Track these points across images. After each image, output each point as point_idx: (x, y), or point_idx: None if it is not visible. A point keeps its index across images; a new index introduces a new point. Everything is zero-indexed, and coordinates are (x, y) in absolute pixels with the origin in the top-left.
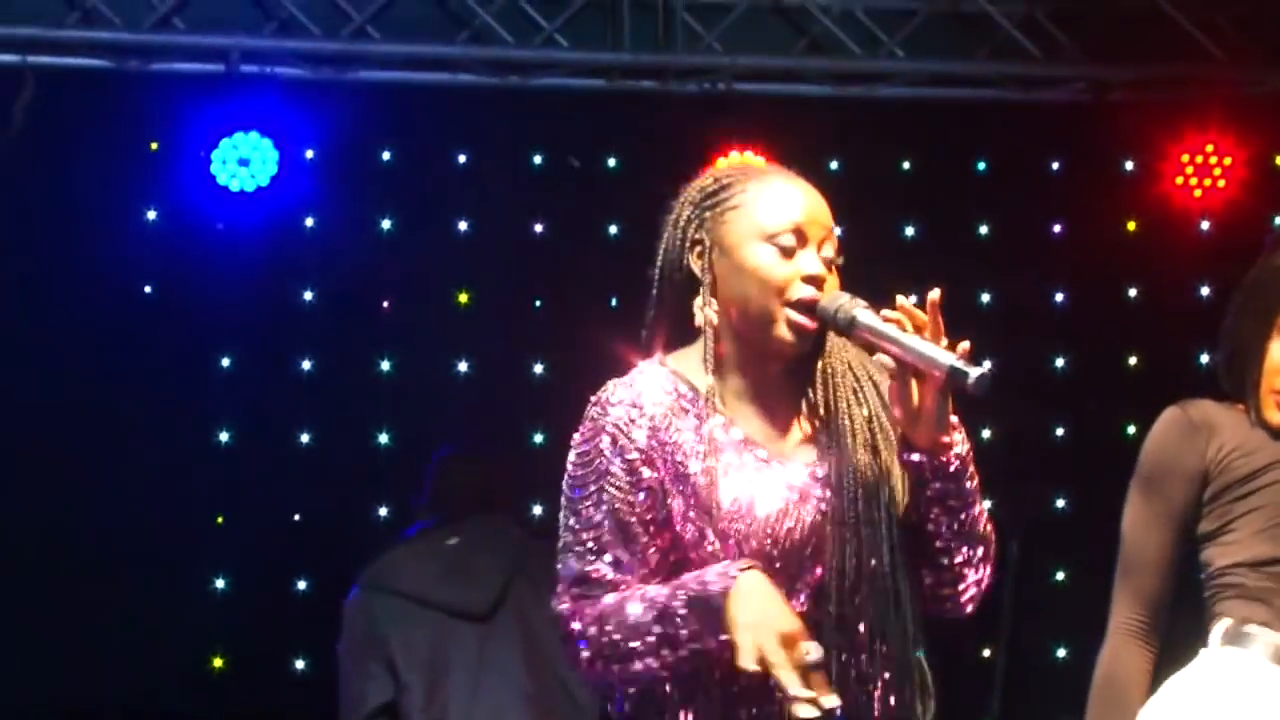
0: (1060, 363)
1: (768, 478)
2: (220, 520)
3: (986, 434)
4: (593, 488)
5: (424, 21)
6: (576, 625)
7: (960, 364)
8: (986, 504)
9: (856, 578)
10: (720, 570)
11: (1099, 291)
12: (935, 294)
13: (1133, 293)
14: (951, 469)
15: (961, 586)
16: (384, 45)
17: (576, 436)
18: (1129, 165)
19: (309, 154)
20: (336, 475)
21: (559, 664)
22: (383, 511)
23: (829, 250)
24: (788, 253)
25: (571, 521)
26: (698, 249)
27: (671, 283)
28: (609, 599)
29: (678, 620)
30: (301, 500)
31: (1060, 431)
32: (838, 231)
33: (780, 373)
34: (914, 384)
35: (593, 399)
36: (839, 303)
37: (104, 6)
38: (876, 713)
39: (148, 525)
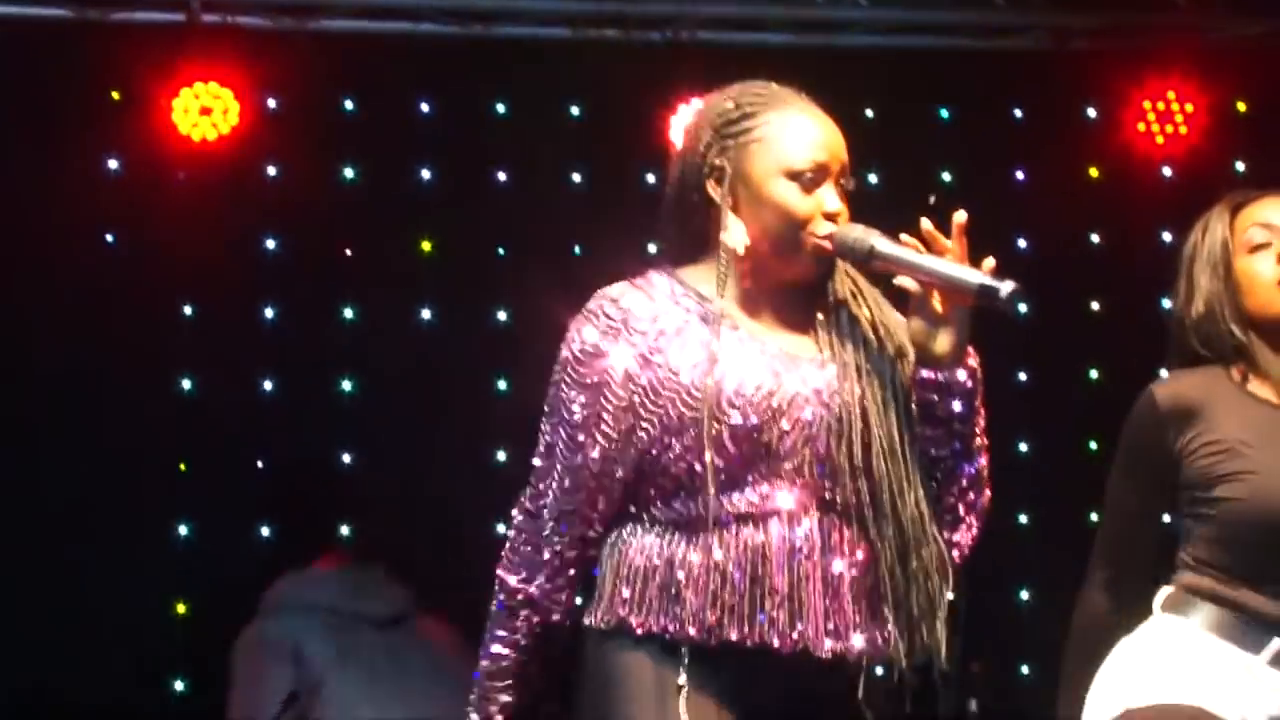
0: (1023, 309)
1: (769, 360)
2: (183, 467)
3: None
4: (572, 409)
5: None
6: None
7: (990, 281)
8: None
9: (866, 455)
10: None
11: (1062, 238)
12: (961, 216)
13: (1096, 239)
14: (968, 385)
15: (957, 535)
16: None
17: (570, 334)
18: (1091, 112)
19: (271, 103)
20: (300, 422)
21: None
22: (346, 458)
23: (845, 182)
24: (808, 188)
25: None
26: (717, 174)
27: (687, 203)
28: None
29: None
30: (265, 447)
31: (1023, 377)
32: (847, 166)
33: (790, 293)
34: (936, 298)
35: (596, 295)
36: (854, 234)
37: None
38: (895, 594)
39: (110, 472)
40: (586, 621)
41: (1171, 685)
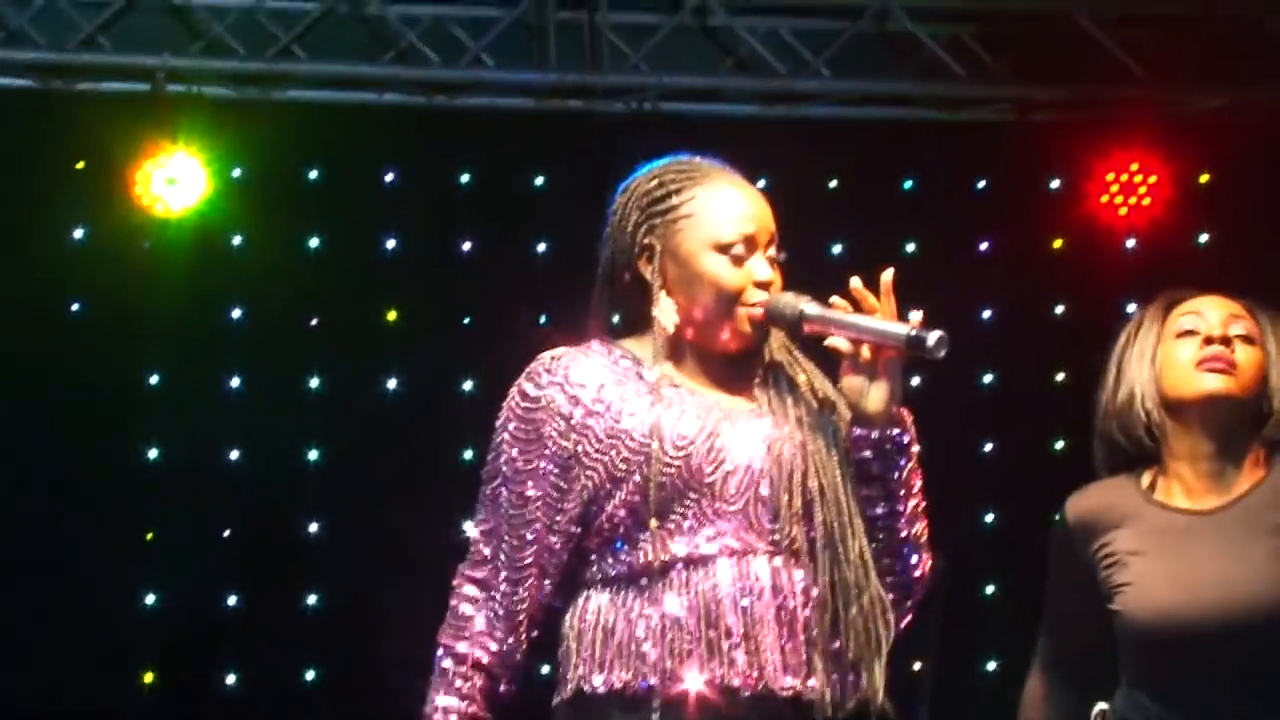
0: (988, 379)
1: (710, 411)
2: (150, 537)
3: (914, 449)
4: (515, 468)
5: (350, 42)
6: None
7: (917, 331)
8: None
9: (807, 499)
10: None
11: (1026, 308)
12: (888, 275)
13: (1060, 309)
14: (902, 442)
15: (894, 598)
16: (310, 65)
17: (511, 394)
18: (1055, 184)
19: (236, 172)
20: (266, 491)
21: None
22: (313, 528)
23: (773, 250)
24: (738, 260)
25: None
26: (647, 254)
27: (619, 283)
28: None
29: None
30: (231, 517)
31: (989, 447)
32: (774, 235)
33: (728, 360)
34: (866, 353)
35: (537, 359)
36: (784, 301)
37: (28, 26)
38: (840, 639)
39: (77, 542)
40: (555, 701)
41: None
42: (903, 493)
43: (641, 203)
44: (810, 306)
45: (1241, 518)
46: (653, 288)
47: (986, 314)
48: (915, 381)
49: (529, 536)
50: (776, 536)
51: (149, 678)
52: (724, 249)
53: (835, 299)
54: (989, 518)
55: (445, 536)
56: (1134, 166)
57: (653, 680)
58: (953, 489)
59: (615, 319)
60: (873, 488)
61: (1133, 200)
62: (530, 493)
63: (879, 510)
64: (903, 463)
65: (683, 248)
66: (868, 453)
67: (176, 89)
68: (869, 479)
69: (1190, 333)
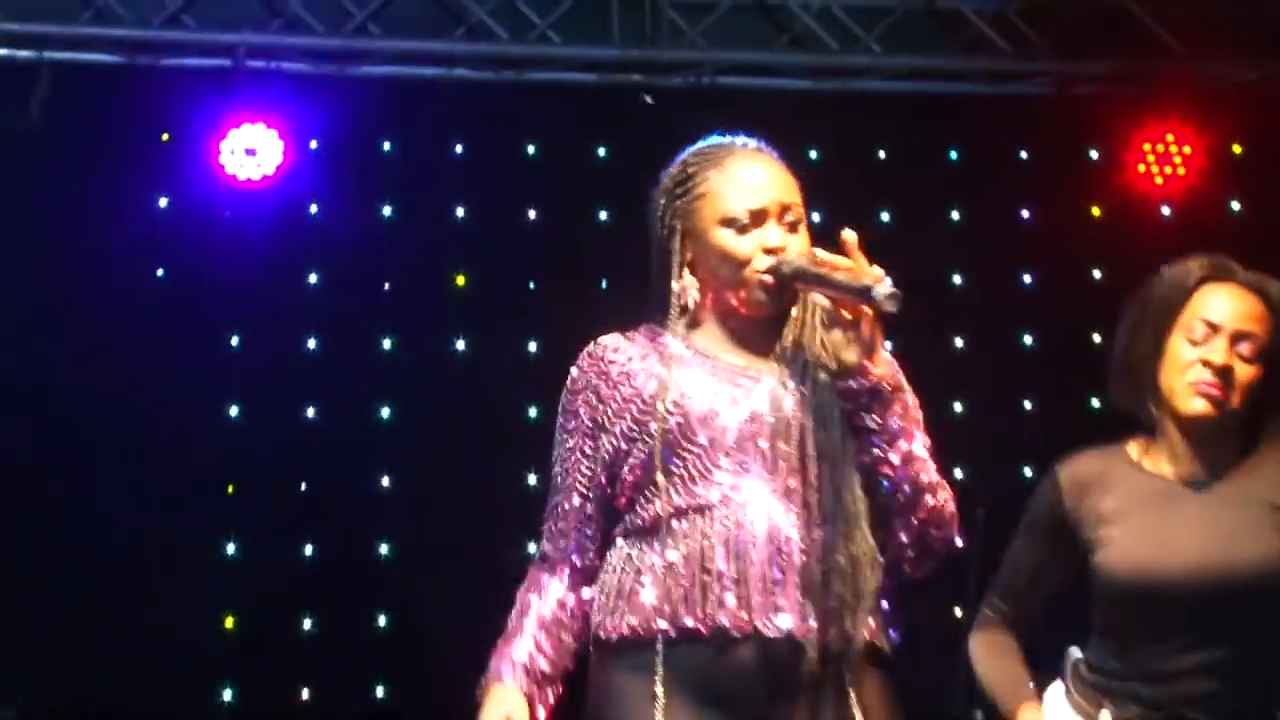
0: (1029, 340)
1: (719, 374)
2: (231, 489)
3: (958, 408)
4: (564, 446)
5: (422, 18)
6: None
7: (871, 285)
8: (959, 475)
9: (803, 452)
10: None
11: (1065, 274)
12: (846, 234)
13: (1098, 275)
14: (883, 392)
15: (913, 553)
16: (384, 41)
17: (565, 386)
18: (1094, 154)
19: (313, 145)
20: (340, 447)
21: None
22: (384, 481)
23: (791, 217)
24: (746, 229)
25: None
26: (674, 235)
27: (663, 265)
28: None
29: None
30: (307, 470)
31: (1028, 406)
32: (796, 199)
33: (754, 325)
34: (846, 316)
35: (582, 352)
36: (787, 261)
37: (116, 4)
38: (830, 586)
39: (162, 495)
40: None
41: None
42: (889, 441)
43: (668, 188)
44: (799, 263)
45: (1224, 490)
46: (673, 265)
47: (1027, 278)
48: (960, 344)
49: (569, 505)
50: (772, 488)
51: (230, 622)
52: (730, 223)
53: (819, 253)
54: (1028, 473)
55: (512, 488)
56: (1169, 138)
57: (654, 624)
58: (994, 446)
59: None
60: (862, 439)
61: (1168, 170)
62: (570, 465)
63: (871, 459)
64: (883, 412)
65: (697, 226)
66: (851, 404)
67: (256, 64)
68: (858, 431)
69: (1198, 343)
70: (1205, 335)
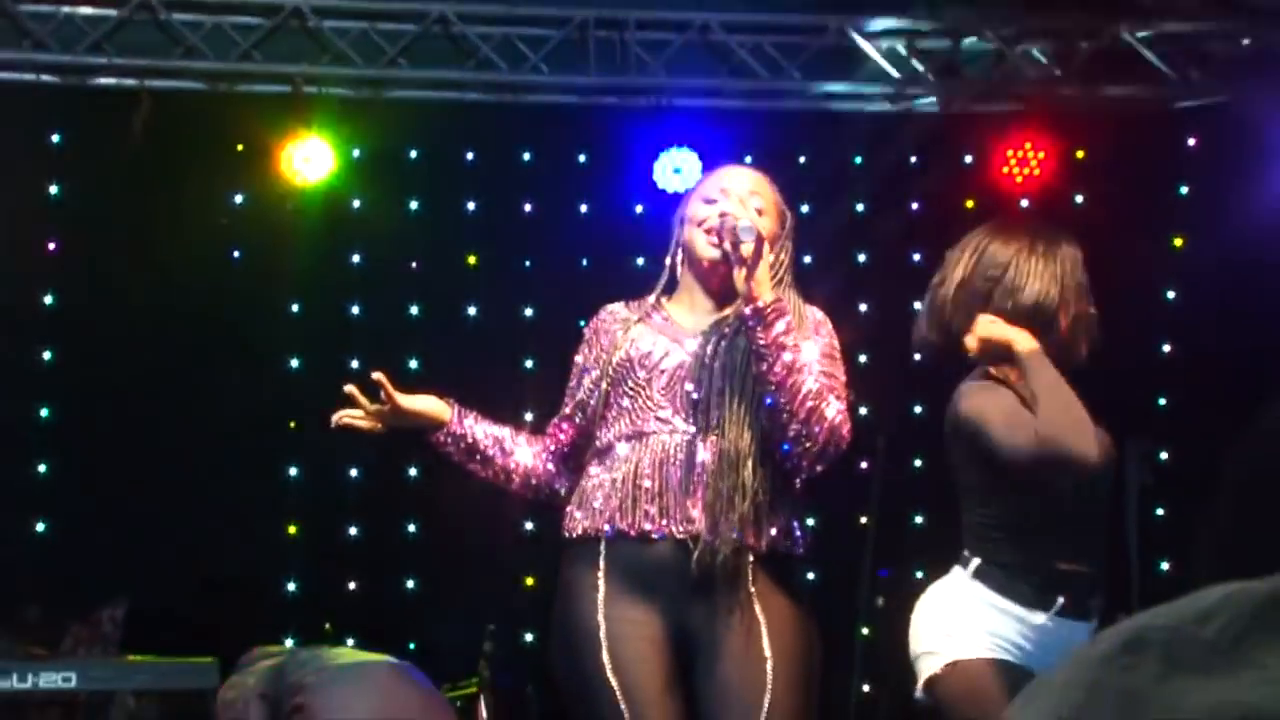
0: (916, 305)
1: (670, 331)
2: (293, 425)
3: (863, 359)
4: (572, 377)
5: (441, 54)
6: None
7: (735, 223)
8: (863, 412)
9: (715, 393)
10: None
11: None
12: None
13: None
14: (765, 312)
15: (799, 448)
16: (411, 71)
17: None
18: (968, 159)
19: (355, 153)
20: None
21: None
22: None
23: (757, 203)
24: (710, 203)
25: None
26: (676, 223)
27: (674, 250)
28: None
29: None
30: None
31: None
32: (766, 194)
33: (715, 298)
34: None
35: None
36: (728, 217)
37: (201, 43)
38: (723, 494)
39: (238, 430)
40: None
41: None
42: (773, 354)
43: (687, 194)
44: (730, 217)
45: None
46: (671, 244)
47: (916, 257)
48: (863, 308)
49: (562, 411)
50: (693, 423)
51: (292, 529)
52: (703, 200)
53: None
54: (918, 410)
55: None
56: (1028, 145)
57: (599, 525)
58: (892, 383)
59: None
60: (755, 356)
61: (1026, 171)
62: (570, 389)
63: (758, 370)
64: (765, 330)
65: (686, 212)
66: (746, 329)
67: (311, 90)
68: (754, 352)
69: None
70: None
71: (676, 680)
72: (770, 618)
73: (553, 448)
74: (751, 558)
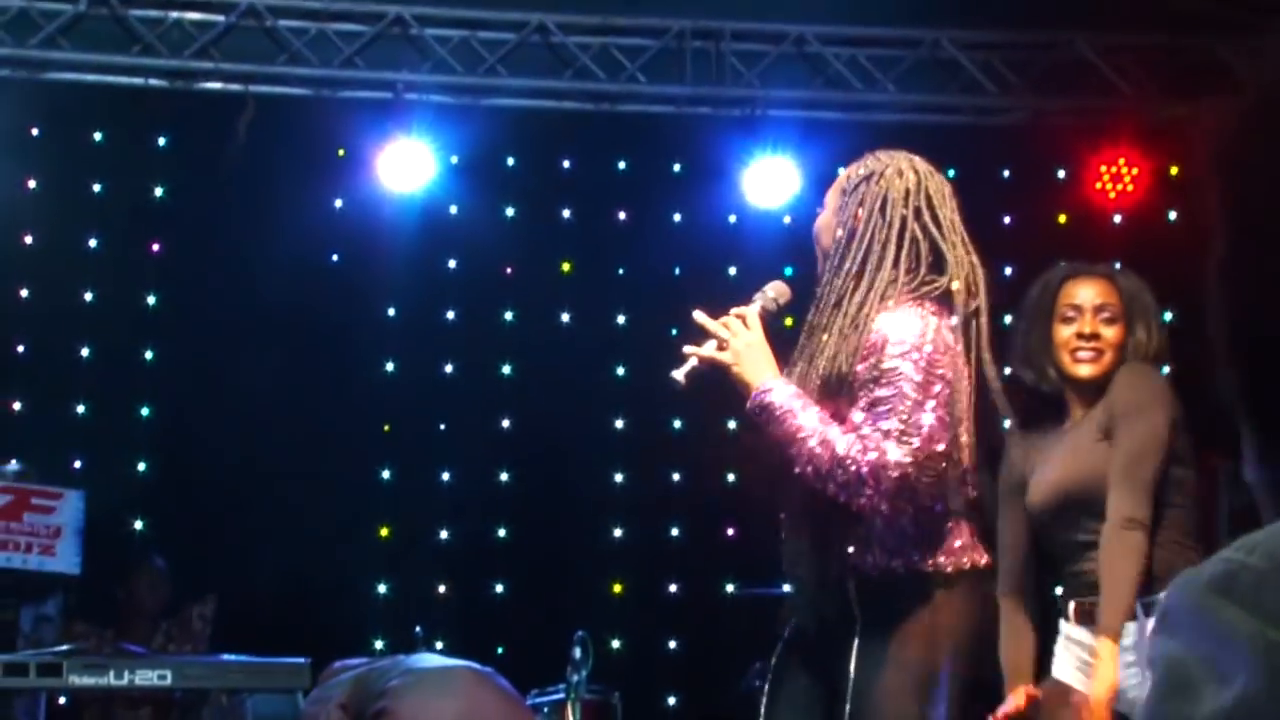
0: (1007, 319)
1: None
2: (387, 428)
3: None
4: None
5: (539, 62)
6: None
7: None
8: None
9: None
10: None
11: (1038, 269)
12: (696, 315)
13: None
14: (757, 418)
15: (854, 505)
16: (509, 80)
17: None
18: (1060, 174)
19: (454, 160)
20: (471, 397)
21: None
22: (505, 423)
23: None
24: None
25: None
26: None
27: None
28: None
29: None
30: (446, 414)
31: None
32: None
33: None
34: None
35: None
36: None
37: (305, 49)
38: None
39: (333, 431)
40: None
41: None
42: (785, 446)
43: None
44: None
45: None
46: None
47: (1008, 271)
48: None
49: None
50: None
51: (384, 531)
52: None
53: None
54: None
55: (601, 427)
56: (1121, 161)
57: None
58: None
59: None
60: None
61: (1119, 187)
62: None
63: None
64: (768, 430)
65: None
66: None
67: (411, 97)
68: None
69: (1069, 320)
70: (1073, 316)
71: None
72: None
73: None
74: (843, 602)
